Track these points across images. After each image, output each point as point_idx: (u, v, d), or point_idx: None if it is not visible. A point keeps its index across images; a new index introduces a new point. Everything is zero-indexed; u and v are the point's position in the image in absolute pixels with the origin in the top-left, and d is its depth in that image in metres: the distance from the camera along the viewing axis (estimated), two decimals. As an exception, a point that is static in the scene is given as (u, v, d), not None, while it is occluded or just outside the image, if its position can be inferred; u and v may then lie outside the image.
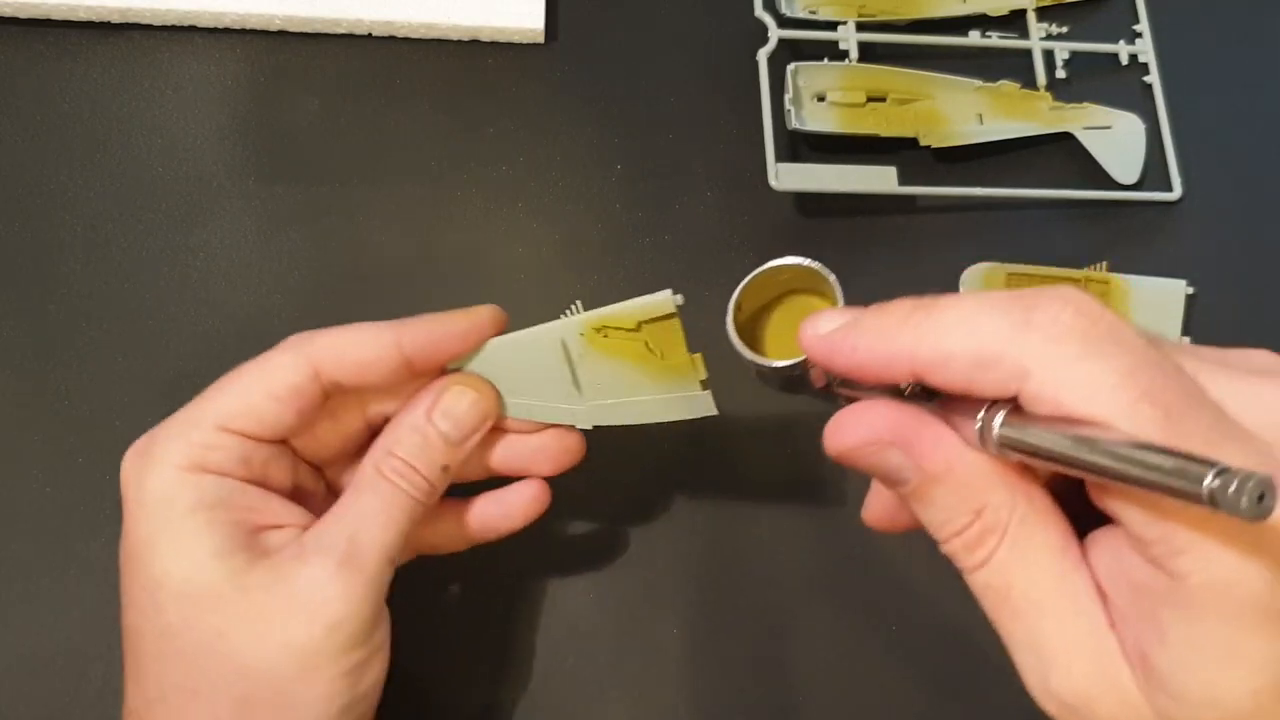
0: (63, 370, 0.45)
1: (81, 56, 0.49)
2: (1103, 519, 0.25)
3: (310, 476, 0.38)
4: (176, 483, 0.32)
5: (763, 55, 0.49)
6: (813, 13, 0.52)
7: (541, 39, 0.51)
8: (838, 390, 0.31)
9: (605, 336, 0.36)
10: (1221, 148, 0.53)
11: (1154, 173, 0.52)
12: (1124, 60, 0.54)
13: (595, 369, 0.36)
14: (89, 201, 0.47)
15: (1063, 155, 0.52)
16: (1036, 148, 0.52)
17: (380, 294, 0.47)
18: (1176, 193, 0.51)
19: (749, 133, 0.49)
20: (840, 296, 0.30)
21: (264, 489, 0.34)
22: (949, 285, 0.48)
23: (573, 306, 0.35)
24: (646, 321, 0.35)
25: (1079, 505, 0.26)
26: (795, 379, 0.31)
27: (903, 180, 0.49)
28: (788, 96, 0.49)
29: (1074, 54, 0.53)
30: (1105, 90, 0.53)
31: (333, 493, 0.38)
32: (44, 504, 0.43)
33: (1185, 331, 0.49)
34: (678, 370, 0.36)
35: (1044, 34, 0.53)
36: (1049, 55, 0.53)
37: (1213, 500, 0.20)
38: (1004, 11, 0.54)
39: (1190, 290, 0.49)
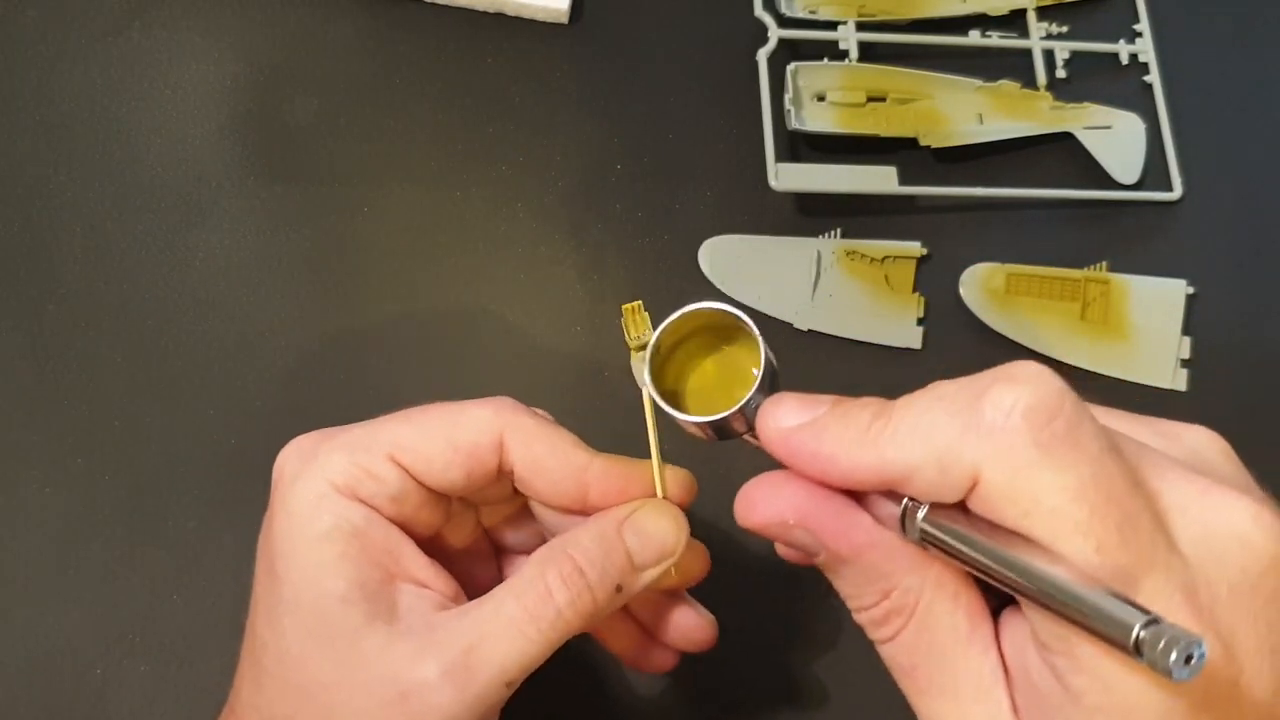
0: (62, 370, 0.45)
1: (81, 56, 0.49)
2: None
3: (478, 537, 0.36)
4: (321, 499, 0.31)
5: (763, 55, 0.49)
6: (813, 12, 0.52)
7: (565, 19, 0.51)
8: (757, 442, 0.29)
9: (853, 260, 0.47)
10: (1221, 148, 0.53)
11: (1154, 173, 0.52)
12: (1124, 60, 0.54)
13: (835, 282, 0.46)
14: (89, 201, 0.47)
15: (1063, 155, 0.52)
16: (1036, 148, 0.51)
17: (380, 294, 0.47)
18: (1176, 193, 0.51)
19: (749, 133, 0.49)
20: (763, 346, 0.29)
21: (407, 535, 0.32)
22: (950, 285, 0.49)
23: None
24: (891, 258, 0.47)
25: None
26: (719, 429, 0.30)
27: (903, 180, 0.49)
28: (788, 96, 0.49)
29: (1074, 54, 0.53)
30: (1105, 90, 0.53)
31: (497, 552, 0.37)
32: (44, 504, 0.43)
33: (1185, 331, 0.49)
34: (900, 303, 0.47)
35: (1044, 33, 0.53)
36: (1049, 55, 0.53)
37: (1138, 650, 0.20)
38: (1004, 11, 0.54)
39: (1190, 290, 0.49)
